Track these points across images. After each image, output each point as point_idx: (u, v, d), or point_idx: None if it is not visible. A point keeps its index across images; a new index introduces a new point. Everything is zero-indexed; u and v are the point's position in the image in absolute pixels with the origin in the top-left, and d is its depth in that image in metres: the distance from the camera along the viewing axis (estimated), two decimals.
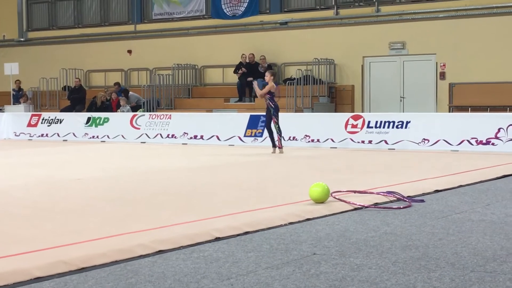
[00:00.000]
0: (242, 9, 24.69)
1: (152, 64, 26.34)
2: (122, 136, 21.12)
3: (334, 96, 23.27)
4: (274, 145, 16.01)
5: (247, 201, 8.45)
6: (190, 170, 12.60)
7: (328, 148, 17.68)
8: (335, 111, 22.71)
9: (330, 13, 23.60)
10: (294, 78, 22.70)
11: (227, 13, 24.98)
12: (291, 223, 7.00)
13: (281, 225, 6.89)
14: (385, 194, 8.53)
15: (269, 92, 15.80)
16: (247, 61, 23.90)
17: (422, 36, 22.04)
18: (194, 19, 25.83)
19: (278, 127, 15.94)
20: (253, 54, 23.90)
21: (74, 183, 10.48)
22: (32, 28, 29.50)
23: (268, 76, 16.06)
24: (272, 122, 15.92)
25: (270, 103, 15.82)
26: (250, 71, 23.67)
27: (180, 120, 20.55)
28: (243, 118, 19.63)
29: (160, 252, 5.74)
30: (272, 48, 24.08)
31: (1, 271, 4.93)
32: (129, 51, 26.95)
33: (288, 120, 19.07)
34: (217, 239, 6.24)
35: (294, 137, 18.41)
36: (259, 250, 5.79)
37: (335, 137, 17.94)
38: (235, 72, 24.07)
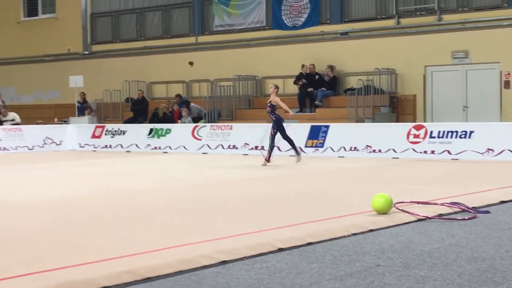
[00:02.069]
0: (303, 19, 24.69)
1: (213, 76, 26.52)
2: (184, 147, 21.32)
3: (396, 106, 23.04)
4: (298, 153, 15.97)
5: (309, 211, 8.43)
6: (251, 180, 12.64)
7: (389, 158, 17.52)
8: (397, 121, 22.47)
9: (391, 22, 23.42)
10: (355, 88, 22.57)
11: (288, 24, 25.02)
12: (354, 234, 6.96)
13: (344, 236, 6.85)
14: (450, 205, 8.41)
15: (271, 105, 15.63)
16: (308, 71, 23.88)
17: (486, 45, 21.68)
18: (254, 30, 25.93)
19: (272, 140, 15.81)
20: (313, 65, 23.86)
21: (137, 194, 10.62)
22: (96, 41, 30.04)
23: (271, 89, 15.96)
24: (269, 133, 15.91)
25: (271, 116, 15.68)
26: (310, 81, 23.65)
27: (241, 131, 20.65)
28: (304, 128, 19.61)
29: (224, 262, 5.77)
30: (333, 58, 24.00)
31: (70, 281, 5.03)
32: (191, 63, 27.21)
33: (349, 131, 19.02)
34: (280, 250, 6.25)
35: (355, 148, 18.30)
36: (322, 261, 5.78)
37: (397, 148, 17.77)
38: (295, 83, 24.07)
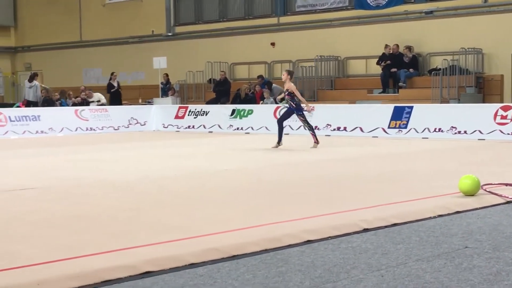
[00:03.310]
0: None
1: (295, 56, 26.46)
2: (266, 127, 21.38)
3: (482, 87, 22.50)
4: (278, 142, 15.40)
5: (393, 193, 8.34)
6: (333, 161, 12.59)
7: (475, 140, 17.15)
8: (483, 102, 21.97)
9: (478, 0, 22.84)
10: (440, 69, 22.14)
11: (371, 4, 24.70)
12: (440, 216, 6.85)
13: (430, 218, 6.76)
14: None
15: (288, 93, 15.16)
16: (391, 52, 23.55)
17: None
18: (337, 10, 25.73)
19: (307, 123, 15.54)
20: (397, 45, 23.51)
21: (221, 174, 10.73)
22: (179, 23, 30.36)
23: (284, 75, 15.33)
24: (300, 122, 15.61)
25: (292, 103, 15.23)
26: (393, 62, 23.32)
27: (323, 111, 20.55)
28: (387, 109, 19.39)
29: (308, 242, 5.78)
30: (417, 38, 23.59)
31: (158, 257, 5.13)
32: (273, 44, 27.22)
33: (433, 112, 18.69)
34: (365, 230, 6.21)
35: (439, 129, 17.99)
36: (408, 242, 5.71)
37: (483, 129, 17.37)
38: (378, 63, 23.79)
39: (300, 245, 5.67)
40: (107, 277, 4.74)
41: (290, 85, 15.15)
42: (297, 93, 15.22)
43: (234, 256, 5.31)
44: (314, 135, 15.54)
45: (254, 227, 6.20)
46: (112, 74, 27.49)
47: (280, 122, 15.75)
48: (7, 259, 5.08)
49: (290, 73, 15.60)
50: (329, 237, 5.94)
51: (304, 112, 15.42)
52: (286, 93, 15.29)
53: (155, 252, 5.28)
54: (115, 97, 27.14)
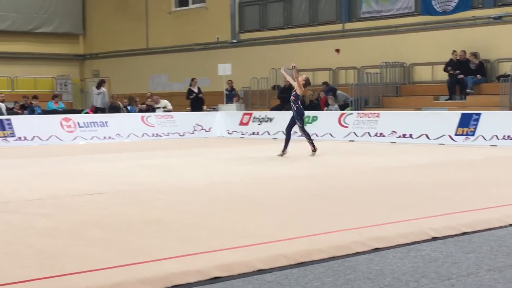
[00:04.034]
0: (453, 4, 23.99)
1: (360, 63, 26.32)
2: (330, 134, 21.32)
3: None
4: (284, 150, 15.10)
5: (461, 201, 8.24)
6: (399, 168, 12.48)
7: None
8: None
9: None
10: (509, 75, 21.72)
11: (437, 9, 24.40)
12: (511, 225, 6.74)
13: (500, 227, 6.66)
14: None
15: (295, 95, 14.93)
16: (458, 58, 23.22)
17: None
18: (402, 16, 25.48)
19: (304, 130, 15.19)
20: (464, 51, 23.17)
21: (287, 180, 10.75)
22: (244, 30, 30.52)
23: (300, 78, 15.06)
24: (296, 127, 15.18)
25: (294, 106, 14.97)
26: (460, 68, 22.99)
27: (388, 118, 20.40)
28: (454, 116, 19.11)
29: (377, 250, 5.76)
30: (485, 44, 23.20)
31: (227, 263, 5.19)
32: (337, 50, 27.13)
33: (502, 119, 18.35)
34: (434, 238, 6.16)
35: (508, 136, 17.63)
36: (479, 251, 5.64)
37: None
38: (445, 70, 23.48)
39: (368, 253, 5.66)
40: (177, 282, 4.82)
41: (300, 83, 14.93)
42: (301, 80, 14.99)
43: (302, 263, 5.33)
44: (311, 143, 15.29)
45: (321, 234, 6.21)
46: (192, 80, 27.62)
47: (288, 130, 15.42)
48: (81, 262, 5.21)
49: (306, 80, 15.36)
50: (397, 245, 5.91)
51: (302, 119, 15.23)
52: (293, 94, 15.09)
53: (223, 257, 5.34)
54: (196, 102, 27.27)
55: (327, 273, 5.06)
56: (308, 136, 15.37)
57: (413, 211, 7.41)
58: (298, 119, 15.13)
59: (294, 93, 15.15)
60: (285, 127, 15.63)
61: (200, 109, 26.71)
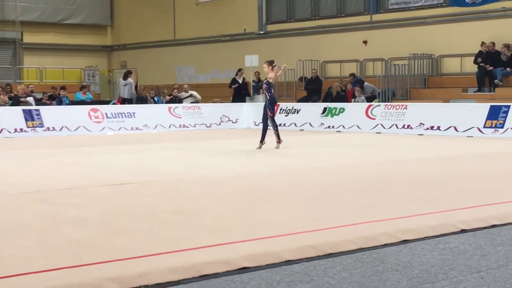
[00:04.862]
0: None
1: (387, 54, 26.16)
2: (357, 126, 21.25)
3: None
4: (261, 141, 14.92)
5: (490, 193, 8.17)
6: (427, 160, 12.40)
7: None
8: None
9: None
10: None
11: (467, 0, 24.18)
12: None
13: None
14: None
15: (267, 83, 14.74)
16: (487, 49, 22.99)
17: None
18: (431, 7, 25.29)
19: (273, 120, 14.87)
20: (493, 43, 22.93)
21: (314, 172, 10.74)
22: (271, 21, 30.48)
23: (265, 67, 14.84)
24: (267, 116, 14.86)
25: (267, 95, 14.76)
26: (489, 60, 22.76)
27: (416, 110, 20.28)
28: (483, 108, 18.94)
29: (405, 241, 5.73)
30: None
31: (254, 253, 5.20)
32: (365, 42, 26.98)
33: None
34: (463, 231, 6.12)
35: None
36: (509, 244, 5.60)
37: None
38: (475, 62, 23.27)
39: (397, 245, 5.64)
40: (205, 272, 4.84)
41: (270, 74, 14.80)
42: (274, 76, 14.84)
43: (330, 254, 5.33)
44: (277, 133, 15.05)
45: (349, 225, 6.20)
46: (239, 70, 27.67)
47: (264, 120, 15.14)
48: (110, 251, 5.25)
49: (270, 62, 15.08)
50: (426, 237, 5.88)
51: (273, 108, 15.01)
52: (265, 82, 14.96)
53: (251, 248, 5.35)
54: (238, 92, 27.33)
55: (355, 264, 5.05)
56: (275, 127, 15.09)
57: (441, 203, 7.36)
58: (269, 108, 14.91)
59: (266, 81, 14.97)
60: (261, 117, 15.35)
61: (243, 100, 26.73)
